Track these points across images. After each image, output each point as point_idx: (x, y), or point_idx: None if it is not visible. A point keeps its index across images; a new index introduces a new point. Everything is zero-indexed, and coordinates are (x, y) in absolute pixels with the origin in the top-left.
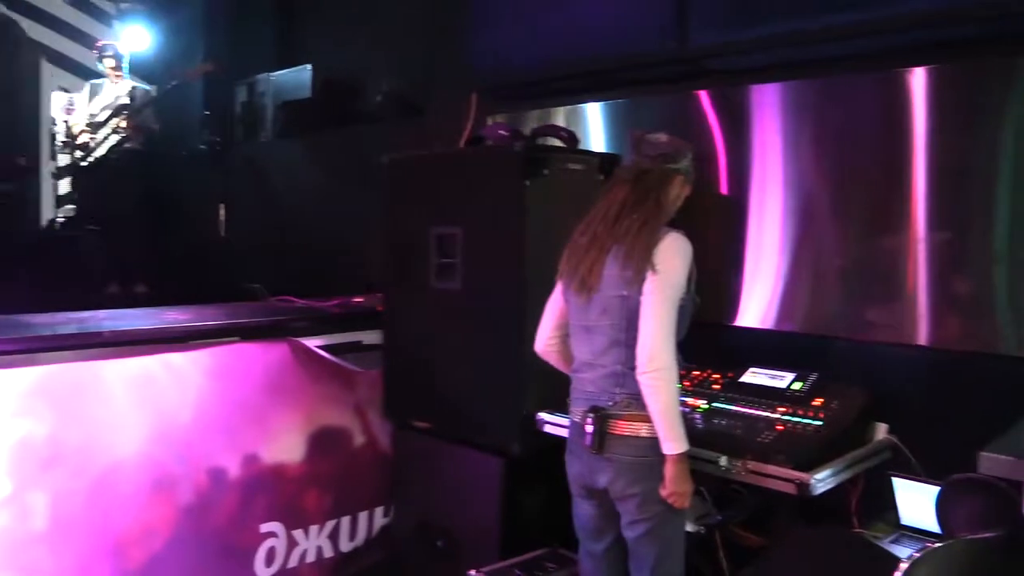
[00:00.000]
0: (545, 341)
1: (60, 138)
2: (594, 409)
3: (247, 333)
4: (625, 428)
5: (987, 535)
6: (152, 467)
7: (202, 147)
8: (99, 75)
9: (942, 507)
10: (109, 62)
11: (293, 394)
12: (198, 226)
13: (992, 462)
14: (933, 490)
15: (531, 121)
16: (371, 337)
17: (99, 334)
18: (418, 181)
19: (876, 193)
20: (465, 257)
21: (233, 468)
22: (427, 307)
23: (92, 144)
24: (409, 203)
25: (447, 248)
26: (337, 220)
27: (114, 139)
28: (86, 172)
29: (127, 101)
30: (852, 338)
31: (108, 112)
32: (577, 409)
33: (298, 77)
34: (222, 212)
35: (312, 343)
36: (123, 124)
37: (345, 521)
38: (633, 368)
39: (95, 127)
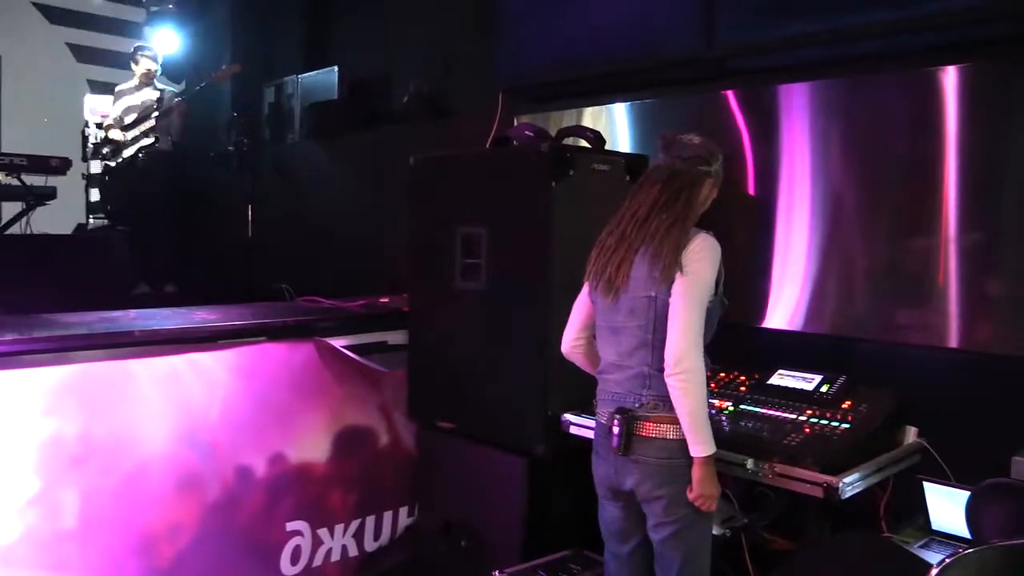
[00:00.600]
0: (571, 342)
1: (91, 141)
2: (621, 411)
3: (274, 333)
4: (652, 430)
5: (1020, 542)
6: (179, 465)
7: (230, 148)
8: (131, 76)
9: (973, 512)
10: (144, 64)
11: (319, 394)
12: (226, 227)
13: None
14: (964, 495)
15: (557, 122)
16: (396, 337)
17: (129, 333)
18: (444, 182)
19: (906, 193)
20: (490, 257)
21: (259, 467)
22: (452, 307)
23: (122, 145)
24: (435, 203)
25: (472, 248)
26: (363, 220)
27: (144, 141)
28: (115, 173)
29: (157, 103)
30: (881, 340)
31: (137, 114)
32: (604, 410)
33: (326, 79)
34: (250, 213)
35: (338, 343)
36: (155, 125)
37: (370, 520)
38: (660, 369)
39: (125, 129)
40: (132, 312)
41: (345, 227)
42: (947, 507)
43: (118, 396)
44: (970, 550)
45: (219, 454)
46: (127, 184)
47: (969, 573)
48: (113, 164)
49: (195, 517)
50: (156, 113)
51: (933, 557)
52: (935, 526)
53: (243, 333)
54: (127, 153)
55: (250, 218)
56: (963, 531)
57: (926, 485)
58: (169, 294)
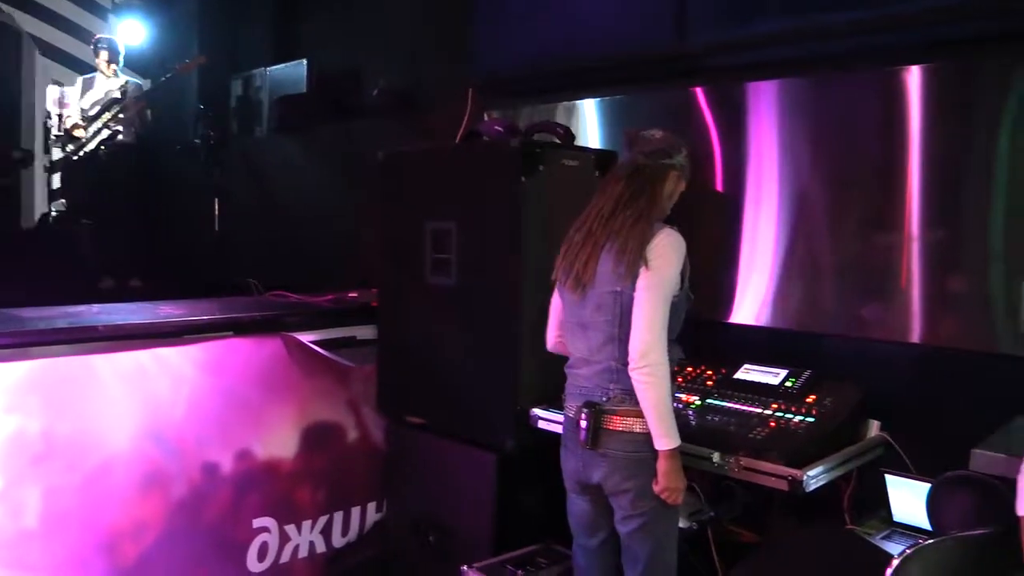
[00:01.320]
0: (554, 339)
1: (53, 132)
2: (588, 404)
3: (241, 328)
4: (619, 424)
5: (978, 532)
6: (144, 462)
7: (197, 141)
8: (93, 68)
9: (934, 504)
10: (104, 55)
11: (286, 389)
12: (193, 221)
13: (984, 459)
14: (925, 487)
15: (527, 117)
16: (365, 332)
17: (93, 328)
18: (414, 176)
19: (871, 191)
20: (460, 253)
21: (226, 463)
22: (422, 303)
23: (85, 138)
24: (404, 198)
25: (442, 243)
26: (332, 215)
27: (106, 133)
28: (78, 166)
29: (120, 95)
30: (846, 335)
31: (100, 106)
32: (572, 405)
33: (294, 72)
34: (217, 207)
35: (306, 338)
36: (116, 118)
37: (338, 516)
38: (627, 364)
39: (88, 121)
40: (96, 307)
41: (314, 221)
42: (908, 499)
43: (82, 392)
44: (930, 541)
45: (185, 451)
46: (90, 177)
47: (929, 563)
48: (75, 158)
49: (160, 515)
50: (118, 105)
51: (894, 548)
52: (897, 518)
53: (210, 328)
54: (89, 147)
55: (217, 212)
56: (924, 522)
57: (888, 478)
58: (134, 288)
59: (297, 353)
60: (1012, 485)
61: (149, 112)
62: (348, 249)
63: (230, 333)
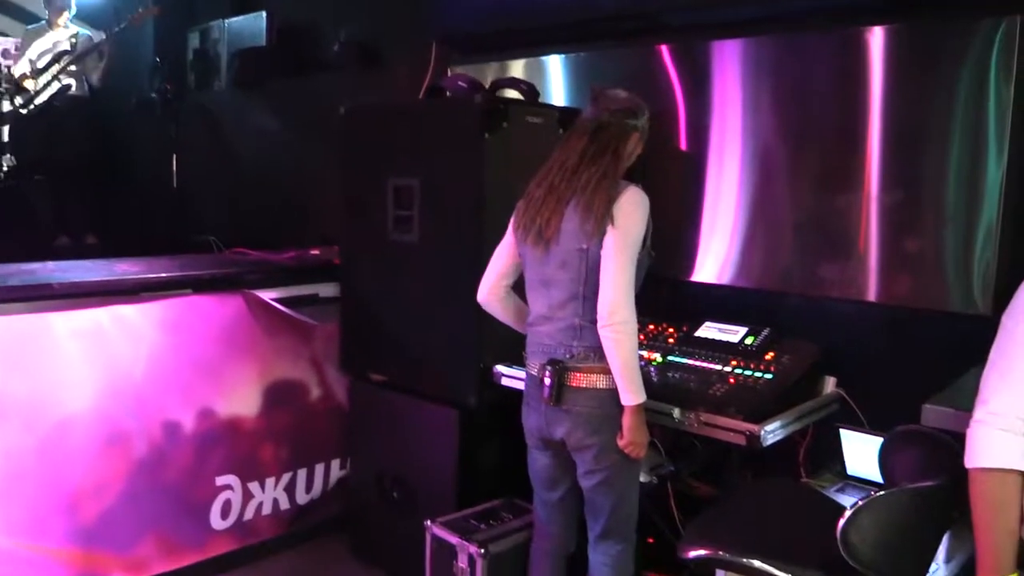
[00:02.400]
0: (488, 289)
1: (2, 84)
2: (552, 362)
3: (200, 285)
4: (583, 380)
5: (927, 484)
6: (104, 421)
7: (153, 95)
8: (40, 19)
9: (885, 457)
10: (55, 5)
11: (248, 347)
12: (149, 177)
13: (935, 414)
14: (878, 441)
15: (491, 73)
16: (327, 290)
17: (48, 286)
18: (376, 132)
19: (832, 151)
20: (422, 210)
21: (187, 422)
22: (384, 260)
23: (34, 91)
24: (366, 154)
25: (404, 200)
26: (293, 171)
27: (57, 86)
28: (28, 120)
29: (70, 47)
30: (805, 294)
31: (51, 57)
32: (534, 362)
33: (254, 24)
34: (174, 162)
35: (267, 296)
36: (67, 70)
37: (301, 474)
38: (592, 321)
39: (37, 73)
40: (51, 264)
41: (274, 177)
42: (862, 453)
43: (38, 351)
44: (881, 493)
45: (145, 409)
46: (41, 131)
47: (880, 514)
48: (25, 112)
49: (122, 474)
50: (69, 56)
51: (847, 500)
52: (850, 471)
53: (168, 285)
54: (40, 100)
55: (174, 168)
56: (876, 476)
57: (843, 432)
58: (90, 246)
59: (258, 311)
60: (961, 439)
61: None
62: (310, 206)
63: (189, 291)
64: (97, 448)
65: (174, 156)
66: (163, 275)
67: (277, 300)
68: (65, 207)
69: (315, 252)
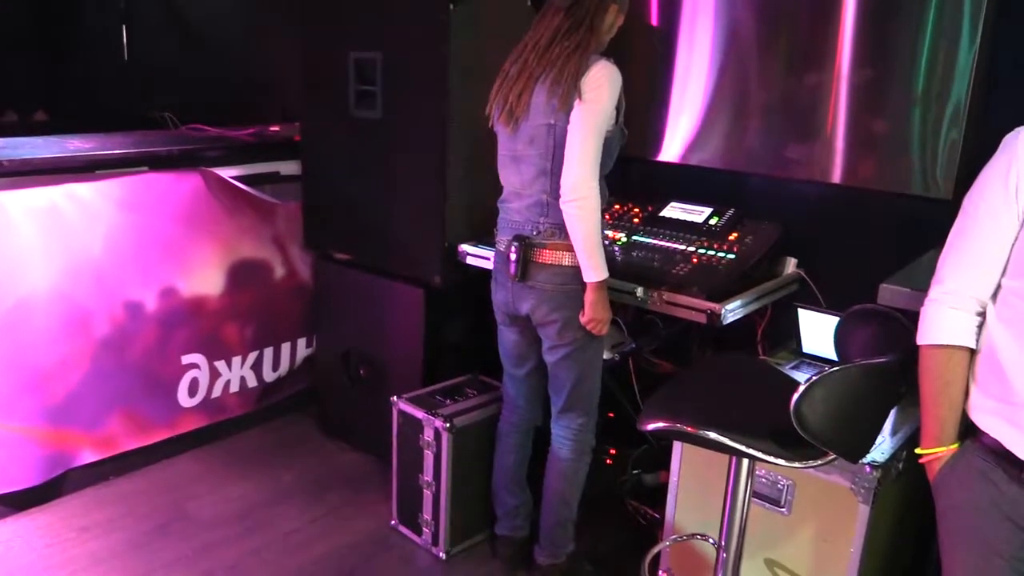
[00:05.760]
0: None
1: None
2: (518, 238)
3: (157, 163)
4: (548, 257)
5: (878, 360)
6: (64, 301)
7: None
8: None
9: (840, 335)
10: None
11: (208, 226)
12: (99, 48)
13: (891, 293)
14: (835, 320)
15: None
16: (289, 167)
17: None
18: (337, 1)
19: (804, 28)
20: (385, 85)
21: (150, 301)
22: (347, 137)
23: None
24: (327, 25)
25: (367, 75)
26: (252, 42)
27: None
28: None
29: None
30: (770, 175)
31: None
32: (502, 238)
33: None
34: (124, 33)
35: (226, 173)
36: None
37: (268, 352)
38: (558, 197)
39: None
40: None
41: (232, 50)
42: (818, 331)
43: None
44: (834, 368)
45: (106, 289)
46: None
47: (832, 388)
48: None
49: (86, 353)
50: None
51: (802, 376)
52: (806, 349)
53: (124, 163)
54: None
55: (124, 39)
56: (831, 354)
57: (800, 312)
58: (40, 122)
59: (218, 189)
60: (915, 318)
61: None
62: (270, 79)
63: (145, 168)
64: (59, 327)
65: (124, 26)
66: (118, 152)
67: (237, 178)
68: (10, 81)
69: (275, 128)
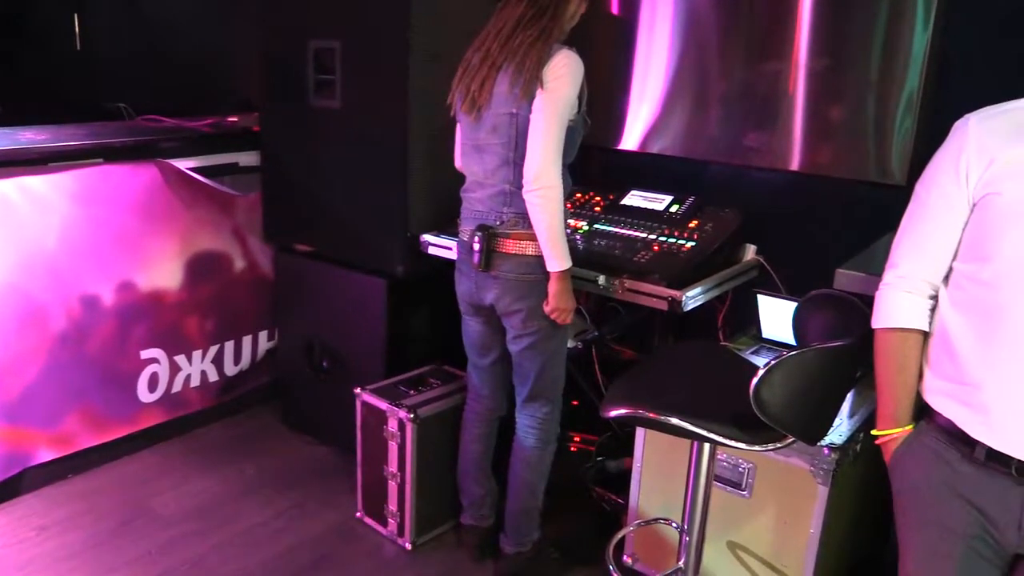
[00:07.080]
0: (459, 158)
1: None
2: (482, 228)
3: (112, 154)
4: (512, 246)
5: (835, 344)
6: (17, 295)
7: None
8: None
9: (798, 320)
10: None
11: (166, 219)
12: (50, 38)
13: (847, 278)
14: (793, 306)
15: None
16: (248, 159)
17: None
18: None
19: (762, 18)
20: (345, 74)
21: (107, 295)
22: (307, 127)
23: None
24: (286, 13)
25: (326, 63)
26: (208, 31)
27: None
28: None
29: None
30: (730, 163)
31: None
32: (466, 228)
33: None
34: (77, 22)
35: (184, 165)
36: None
37: (229, 346)
38: (521, 187)
39: None
40: None
41: (188, 38)
42: (777, 317)
43: None
44: (793, 352)
45: (61, 284)
46: None
47: (791, 372)
48: None
49: (42, 349)
50: None
51: (761, 361)
52: (766, 335)
53: (78, 155)
54: None
55: (77, 28)
56: (790, 339)
57: (760, 298)
58: None
59: (175, 181)
60: (871, 301)
61: None
62: (227, 68)
63: (100, 160)
64: (13, 323)
65: (76, 15)
66: (72, 144)
67: (194, 169)
68: None
69: (234, 119)
